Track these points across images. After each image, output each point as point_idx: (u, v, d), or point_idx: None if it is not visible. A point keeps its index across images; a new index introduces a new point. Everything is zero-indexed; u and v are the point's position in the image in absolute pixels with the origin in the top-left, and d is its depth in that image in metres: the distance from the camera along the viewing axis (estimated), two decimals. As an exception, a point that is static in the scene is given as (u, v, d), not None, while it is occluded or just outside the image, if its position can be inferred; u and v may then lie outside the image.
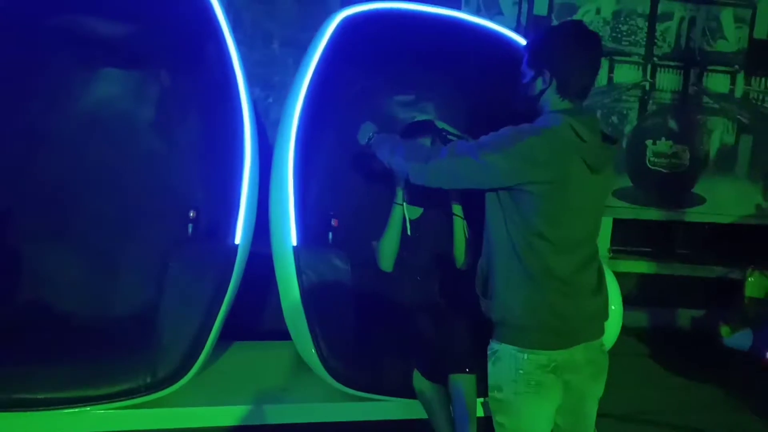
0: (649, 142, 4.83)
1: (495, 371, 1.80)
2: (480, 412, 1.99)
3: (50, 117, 2.43)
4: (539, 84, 1.75)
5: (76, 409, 1.90)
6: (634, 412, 3.40)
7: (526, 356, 1.73)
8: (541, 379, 1.74)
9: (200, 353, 1.97)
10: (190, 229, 2.15)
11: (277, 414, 2.01)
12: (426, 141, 2.31)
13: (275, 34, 3.45)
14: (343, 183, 2.45)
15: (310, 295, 2.06)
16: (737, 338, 3.59)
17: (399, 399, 2.07)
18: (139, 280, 2.31)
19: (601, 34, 4.29)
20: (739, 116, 4.90)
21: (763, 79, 4.87)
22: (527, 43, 1.88)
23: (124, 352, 1.98)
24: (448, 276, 2.37)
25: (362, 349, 2.11)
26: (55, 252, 2.34)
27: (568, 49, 1.72)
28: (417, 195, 2.32)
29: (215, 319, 2.00)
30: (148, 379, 1.91)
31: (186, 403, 1.97)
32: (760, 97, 4.90)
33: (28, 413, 1.85)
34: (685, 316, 4.94)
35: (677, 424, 3.35)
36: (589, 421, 1.90)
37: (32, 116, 2.41)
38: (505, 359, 1.77)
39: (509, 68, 2.20)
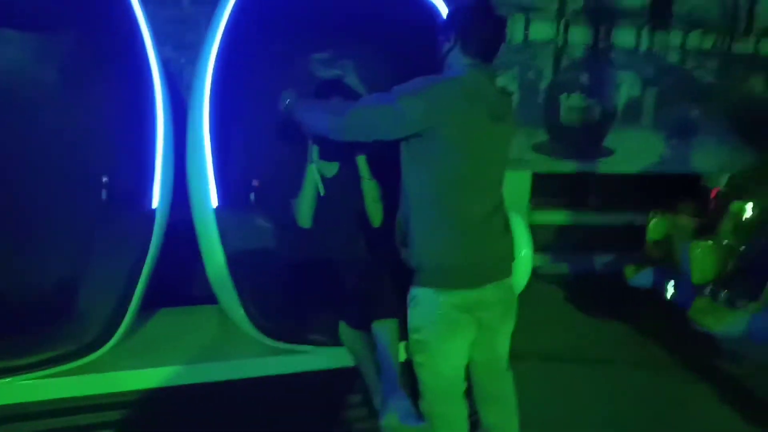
0: (563, 96, 5.02)
1: (414, 314, 1.92)
2: (401, 357, 2.09)
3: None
4: (446, 45, 1.92)
5: (2, 380, 1.86)
6: (550, 352, 3.65)
7: (442, 298, 1.86)
8: (457, 317, 1.88)
9: (123, 318, 1.96)
10: (104, 195, 2.10)
11: (205, 372, 2.04)
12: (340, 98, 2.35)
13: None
14: (261, 143, 2.44)
15: (233, 255, 2.08)
16: (640, 277, 3.85)
17: (327, 348, 2.14)
18: (55, 248, 2.23)
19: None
20: (643, 70, 5.16)
21: (666, 34, 5.14)
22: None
23: (46, 321, 1.94)
24: (366, 230, 2.45)
25: (288, 303, 2.16)
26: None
27: (470, 13, 1.91)
28: (330, 153, 2.37)
29: (136, 285, 1.99)
30: (72, 347, 1.90)
31: (112, 367, 1.96)
32: (663, 50, 5.17)
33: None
34: (598, 262, 5.28)
35: (590, 358, 3.63)
36: (501, 355, 2.07)
37: None
38: (424, 302, 1.89)
39: (426, 27, 2.27)
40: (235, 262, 2.08)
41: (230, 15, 2.18)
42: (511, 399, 2.11)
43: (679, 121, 5.24)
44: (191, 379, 2.00)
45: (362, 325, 2.08)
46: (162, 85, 2.12)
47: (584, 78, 5.09)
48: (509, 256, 2.02)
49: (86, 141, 2.24)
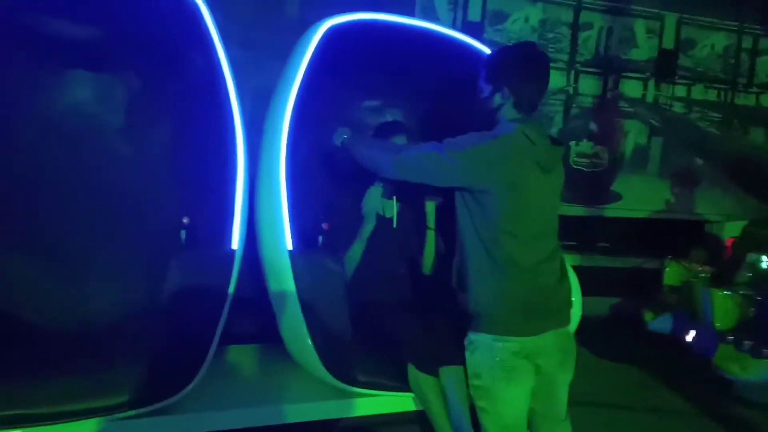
0: (572, 143, 5.19)
1: (473, 360, 1.96)
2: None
3: (13, 122, 2.30)
4: (497, 99, 1.95)
5: (77, 422, 1.85)
6: (571, 395, 3.69)
7: (500, 344, 1.90)
8: (515, 364, 1.91)
9: (204, 360, 1.98)
10: (183, 236, 2.12)
11: (279, 415, 2.06)
12: (400, 139, 2.44)
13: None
14: (325, 186, 2.51)
15: (307, 299, 2.11)
16: (659, 322, 3.93)
17: (395, 393, 2.17)
18: (120, 289, 2.25)
19: (529, 40, 4.63)
20: (650, 120, 5.37)
21: (671, 86, 5.38)
22: (484, 61, 2.07)
23: (127, 363, 1.95)
24: (424, 276, 2.52)
25: (358, 348, 2.20)
26: (27, 264, 2.23)
27: (523, 70, 1.93)
28: (399, 197, 2.45)
29: (217, 326, 2.01)
30: (156, 388, 1.90)
31: (191, 409, 1.97)
32: (669, 102, 5.40)
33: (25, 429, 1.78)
34: (605, 304, 5.37)
35: (608, 403, 3.67)
36: (561, 406, 2.10)
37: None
38: (482, 348, 1.93)
39: (471, 76, 2.37)
40: (307, 304, 2.11)
41: (308, 65, 2.26)
42: (569, 448, 2.14)
43: (683, 169, 5.43)
44: (267, 420, 2.01)
45: (429, 368, 2.12)
46: (243, 128, 2.17)
47: (593, 126, 5.25)
48: (567, 304, 2.05)
49: (156, 180, 2.27)
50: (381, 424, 2.18)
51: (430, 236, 2.45)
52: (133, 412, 1.91)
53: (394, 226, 2.50)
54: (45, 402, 1.78)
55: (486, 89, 1.97)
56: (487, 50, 2.56)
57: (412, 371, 2.13)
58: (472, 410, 2.02)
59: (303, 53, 2.28)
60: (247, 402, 2.04)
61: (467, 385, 2.04)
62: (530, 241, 1.90)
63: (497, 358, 1.90)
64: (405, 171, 1.94)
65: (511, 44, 2.00)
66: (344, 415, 2.13)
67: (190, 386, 1.96)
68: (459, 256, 2.00)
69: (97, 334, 2.11)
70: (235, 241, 2.11)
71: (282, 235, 2.15)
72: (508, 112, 1.93)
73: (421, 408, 2.15)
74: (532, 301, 1.91)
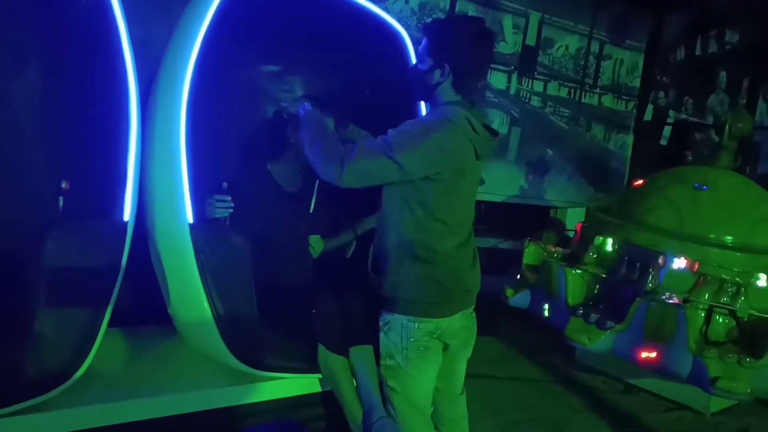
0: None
1: (387, 340, 1.98)
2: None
3: None
4: (437, 75, 1.88)
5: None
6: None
7: (416, 324, 1.94)
8: (429, 344, 1.97)
9: (92, 345, 1.73)
10: (61, 203, 1.81)
11: (180, 404, 1.88)
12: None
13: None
14: (234, 155, 2.31)
15: (209, 276, 1.94)
16: (518, 298, 4.25)
17: (302, 375, 2.10)
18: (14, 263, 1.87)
19: (408, 23, 4.68)
20: (512, 110, 5.74)
21: (531, 81, 5.79)
22: (427, 29, 1.97)
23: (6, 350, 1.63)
24: (340, 257, 2.46)
25: (264, 329, 2.08)
26: None
27: (470, 48, 1.87)
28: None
29: (106, 308, 1.76)
30: (34, 380, 1.62)
31: (79, 402, 1.71)
32: (528, 95, 5.82)
33: None
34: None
35: (476, 374, 3.91)
36: (459, 381, 2.20)
37: None
38: (397, 328, 1.95)
39: (380, 48, 2.33)
40: (210, 282, 1.94)
41: (211, 20, 2.04)
42: (465, 419, 2.24)
43: (537, 158, 5.90)
44: (166, 411, 1.83)
45: (339, 349, 2.08)
46: (136, 90, 1.90)
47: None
48: (477, 287, 2.13)
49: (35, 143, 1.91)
50: (287, 407, 2.10)
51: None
52: (9, 409, 1.62)
53: (311, 210, 2.38)
54: None
55: (426, 62, 1.90)
56: (398, 26, 2.52)
57: (322, 351, 2.08)
58: (381, 390, 2.02)
59: (203, 14, 2.04)
60: (142, 392, 1.83)
61: (377, 365, 2.04)
62: (455, 227, 1.94)
63: (412, 339, 1.93)
64: (353, 180, 1.83)
65: (460, 17, 1.93)
66: (249, 401, 2.02)
67: (76, 375, 1.71)
68: (378, 241, 1.99)
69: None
70: (128, 212, 1.86)
71: (182, 208, 1.95)
72: (447, 92, 1.90)
73: (328, 389, 2.10)
74: (449, 285, 1.96)
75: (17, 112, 1.97)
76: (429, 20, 4.99)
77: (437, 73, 1.88)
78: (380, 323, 1.99)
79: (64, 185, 1.81)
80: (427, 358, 1.98)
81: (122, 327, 2.22)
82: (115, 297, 1.83)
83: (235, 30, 2.19)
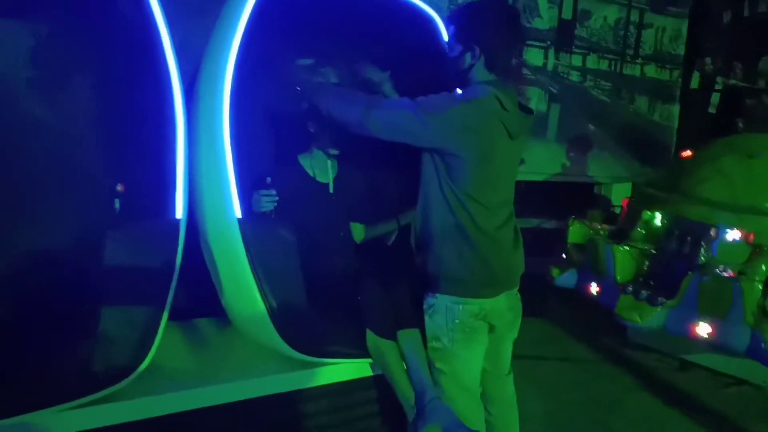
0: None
1: (432, 323, 1.99)
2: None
3: None
4: (468, 58, 1.90)
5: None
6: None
7: (460, 306, 1.94)
8: (474, 325, 1.98)
9: (154, 339, 1.82)
10: (117, 205, 1.91)
11: (238, 391, 1.96)
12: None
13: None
14: (269, 151, 2.37)
15: (260, 270, 2.00)
16: (565, 278, 4.20)
17: (353, 360, 2.15)
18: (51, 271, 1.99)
19: (440, 6, 4.64)
20: (550, 87, 5.63)
21: (569, 55, 5.66)
22: (452, 18, 2.00)
23: (72, 349, 1.74)
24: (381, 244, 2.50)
25: (315, 317, 2.14)
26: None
27: (494, 28, 1.89)
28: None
29: (165, 303, 1.85)
30: (103, 373, 1.73)
31: (145, 392, 1.82)
32: (566, 70, 5.69)
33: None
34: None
35: (525, 355, 3.91)
36: (506, 362, 2.21)
37: None
38: (442, 310, 1.96)
39: (414, 35, 2.32)
40: (261, 275, 2.01)
41: (248, 18, 2.09)
42: (513, 399, 2.25)
43: (578, 135, 5.78)
44: (228, 398, 1.91)
45: (387, 333, 2.12)
46: (180, 88, 1.98)
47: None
48: (520, 268, 2.13)
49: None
50: (340, 391, 2.15)
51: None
52: (82, 401, 1.73)
53: (331, 191, 2.44)
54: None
55: (456, 48, 1.92)
56: (431, 11, 2.52)
57: (371, 336, 2.12)
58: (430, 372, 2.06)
59: (240, 12, 2.09)
60: (202, 381, 1.92)
61: (425, 347, 2.07)
62: (493, 207, 1.93)
63: (457, 320, 1.94)
64: (376, 127, 1.84)
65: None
66: (304, 386, 2.08)
67: (141, 368, 1.81)
68: (421, 216, 1.98)
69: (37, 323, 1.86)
70: (179, 210, 1.94)
71: (230, 203, 2.01)
72: (480, 72, 1.90)
73: (380, 373, 2.14)
74: (492, 265, 1.96)
75: (73, 120, 2.06)
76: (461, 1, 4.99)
77: (468, 56, 1.90)
78: (424, 306, 2.01)
79: (119, 188, 1.90)
80: (474, 339, 1.99)
81: (180, 320, 2.31)
82: (173, 292, 1.91)
83: (272, 26, 2.23)
